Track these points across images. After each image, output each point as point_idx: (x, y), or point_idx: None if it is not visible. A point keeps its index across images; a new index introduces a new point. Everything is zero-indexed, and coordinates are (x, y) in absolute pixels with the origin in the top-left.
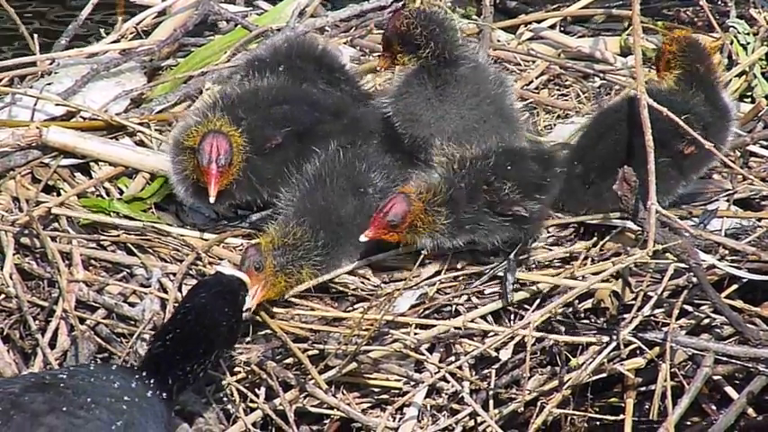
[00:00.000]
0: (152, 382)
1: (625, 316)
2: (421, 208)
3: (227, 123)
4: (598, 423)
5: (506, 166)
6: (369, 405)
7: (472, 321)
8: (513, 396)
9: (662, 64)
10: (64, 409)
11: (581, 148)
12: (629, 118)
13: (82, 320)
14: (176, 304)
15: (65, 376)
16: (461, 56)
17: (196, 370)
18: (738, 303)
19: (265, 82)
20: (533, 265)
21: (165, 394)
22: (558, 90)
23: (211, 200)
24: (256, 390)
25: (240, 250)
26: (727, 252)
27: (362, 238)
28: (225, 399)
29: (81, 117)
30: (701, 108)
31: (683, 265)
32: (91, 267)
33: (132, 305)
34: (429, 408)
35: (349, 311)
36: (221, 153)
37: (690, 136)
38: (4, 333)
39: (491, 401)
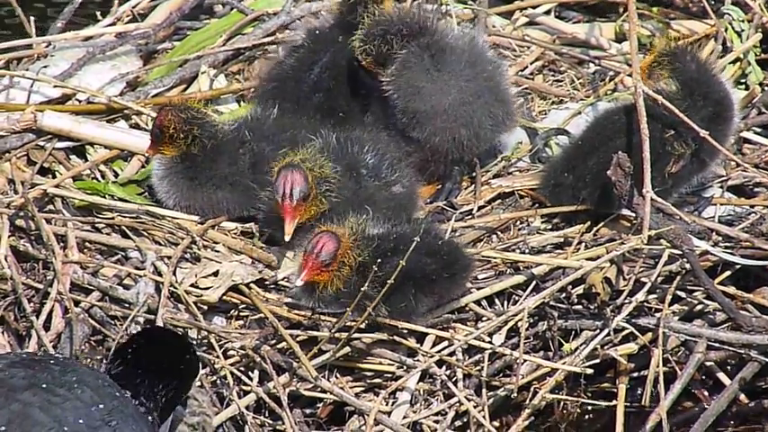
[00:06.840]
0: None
1: (618, 302)
2: (348, 244)
3: (307, 154)
4: (590, 408)
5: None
6: (362, 389)
7: (466, 306)
8: (506, 382)
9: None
10: (44, 386)
11: (573, 158)
12: (626, 131)
13: (76, 303)
14: (169, 289)
15: (59, 355)
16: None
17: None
18: (731, 290)
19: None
20: (526, 250)
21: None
22: (552, 76)
23: (287, 238)
24: (250, 373)
25: (234, 234)
26: (720, 238)
27: (298, 283)
28: (218, 382)
29: (77, 100)
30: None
31: (676, 251)
32: (86, 250)
33: (127, 288)
34: (422, 392)
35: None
36: (295, 186)
37: (677, 153)
38: None
39: (483, 388)
